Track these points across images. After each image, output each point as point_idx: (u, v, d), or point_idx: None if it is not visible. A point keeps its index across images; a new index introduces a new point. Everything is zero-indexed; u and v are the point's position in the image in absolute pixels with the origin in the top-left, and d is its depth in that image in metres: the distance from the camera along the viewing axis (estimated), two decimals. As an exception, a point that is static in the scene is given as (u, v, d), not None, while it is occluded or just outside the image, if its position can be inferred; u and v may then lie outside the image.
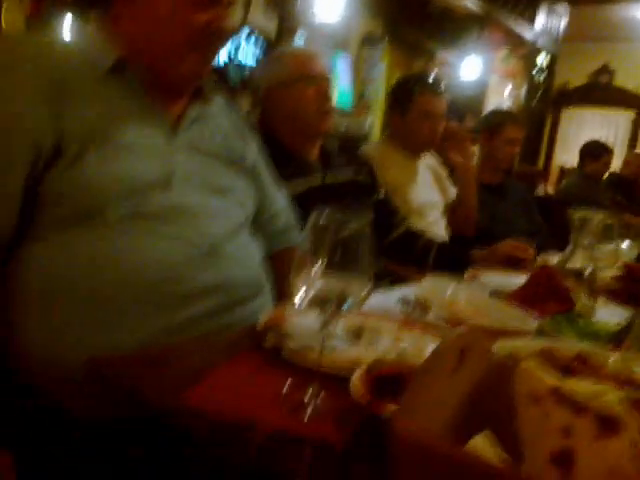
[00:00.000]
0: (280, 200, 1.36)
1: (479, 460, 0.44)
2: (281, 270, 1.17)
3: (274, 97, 1.72)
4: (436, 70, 4.36)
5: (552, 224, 2.69)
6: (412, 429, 0.47)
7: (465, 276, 1.48)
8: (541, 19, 5.15)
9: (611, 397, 0.54)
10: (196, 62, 1.04)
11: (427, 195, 2.27)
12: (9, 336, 0.94)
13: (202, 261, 1.00)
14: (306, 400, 0.69)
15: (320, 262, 0.65)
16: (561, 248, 1.85)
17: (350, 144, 2.44)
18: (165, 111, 1.06)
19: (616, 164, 5.29)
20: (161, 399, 0.66)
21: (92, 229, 0.93)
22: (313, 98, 1.68)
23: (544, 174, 7.42)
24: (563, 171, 6.95)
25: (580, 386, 0.57)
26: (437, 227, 2.29)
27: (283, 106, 1.71)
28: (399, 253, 1.89)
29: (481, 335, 0.61)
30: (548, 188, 5.74)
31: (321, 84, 1.70)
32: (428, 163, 2.39)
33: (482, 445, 0.52)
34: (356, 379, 0.69)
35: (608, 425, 0.52)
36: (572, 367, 0.85)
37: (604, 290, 1.35)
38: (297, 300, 0.66)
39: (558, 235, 2.12)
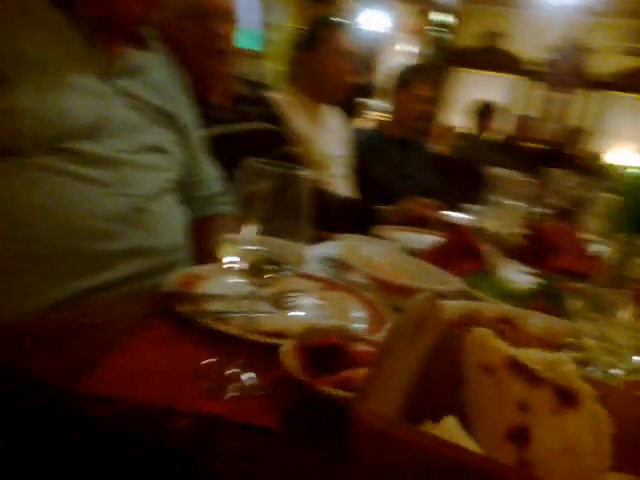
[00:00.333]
0: (209, 167, 1.31)
1: (446, 445, 0.39)
2: (205, 238, 1.15)
3: (171, 31, 1.52)
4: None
5: (453, 183, 2.74)
6: (374, 414, 0.41)
7: (376, 234, 1.44)
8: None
9: (568, 367, 0.51)
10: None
11: (333, 148, 2.20)
12: None
13: (131, 217, 0.96)
14: (230, 375, 0.62)
15: (252, 224, 0.57)
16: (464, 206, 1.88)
17: (259, 88, 2.30)
18: (105, 54, 1.00)
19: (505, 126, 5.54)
20: (56, 380, 0.56)
21: (9, 170, 0.85)
22: (207, 36, 1.51)
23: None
24: (450, 130, 7.16)
25: (535, 355, 0.53)
26: (341, 183, 2.25)
27: (179, 43, 1.53)
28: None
29: (434, 303, 0.56)
30: (438, 147, 5.90)
31: (217, 21, 1.52)
32: (332, 114, 2.31)
33: (450, 428, 0.47)
34: (288, 351, 0.62)
35: (566, 398, 0.50)
36: (500, 329, 0.84)
37: (512, 249, 1.37)
38: (226, 264, 0.57)
39: (461, 193, 2.16)
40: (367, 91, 4.68)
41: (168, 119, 1.11)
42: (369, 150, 2.57)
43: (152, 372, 0.61)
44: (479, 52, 8.21)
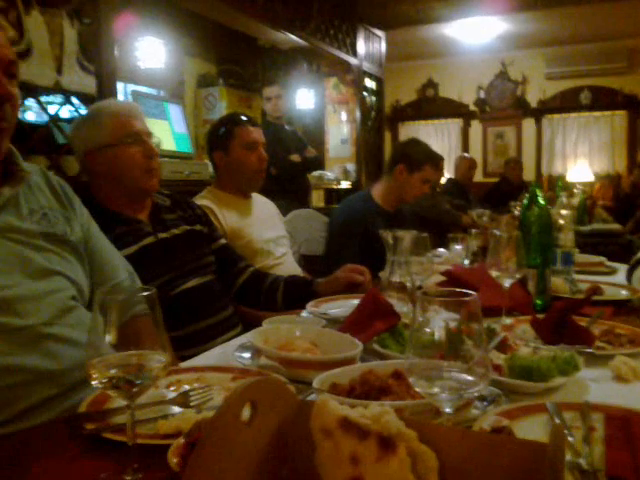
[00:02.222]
0: (122, 269, 1.34)
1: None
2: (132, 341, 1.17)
3: (95, 160, 1.65)
4: (271, 103, 4.48)
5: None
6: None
7: (305, 309, 1.53)
8: (362, 45, 5.51)
9: (390, 416, 0.59)
10: None
11: (269, 232, 2.32)
12: None
13: (31, 348, 0.99)
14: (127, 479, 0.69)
15: (110, 339, 0.66)
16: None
17: (195, 189, 2.43)
18: None
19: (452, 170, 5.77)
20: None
21: None
22: (138, 158, 1.64)
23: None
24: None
25: (366, 411, 0.61)
26: (287, 262, 2.35)
27: (106, 169, 1.64)
28: (248, 297, 1.91)
29: (270, 381, 0.64)
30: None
31: (144, 141, 1.67)
32: (259, 201, 2.45)
33: None
34: (173, 448, 0.70)
35: (387, 445, 0.57)
36: (387, 386, 0.92)
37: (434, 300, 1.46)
38: (92, 381, 0.66)
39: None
40: (317, 164, 4.88)
41: (58, 238, 1.14)
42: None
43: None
44: (416, 104, 8.66)
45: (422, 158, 2.81)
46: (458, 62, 8.18)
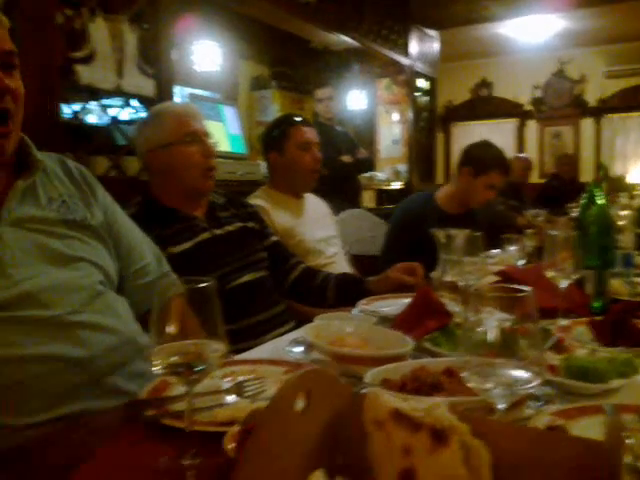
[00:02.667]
0: (149, 252, 1.34)
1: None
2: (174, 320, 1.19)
3: (156, 159, 1.71)
4: (323, 105, 4.51)
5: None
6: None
7: (356, 307, 1.54)
8: (414, 45, 5.48)
9: (442, 410, 0.60)
10: None
11: (321, 231, 2.34)
12: None
13: (60, 336, 1.00)
14: (186, 464, 0.71)
15: (172, 328, 0.68)
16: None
17: (248, 189, 2.48)
18: None
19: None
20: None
21: None
22: (196, 157, 1.69)
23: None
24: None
25: (418, 404, 0.62)
26: (338, 261, 2.37)
27: (165, 167, 1.71)
28: (299, 293, 1.94)
29: (324, 372, 0.66)
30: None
31: (202, 141, 1.71)
32: (312, 201, 2.47)
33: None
34: (229, 435, 0.72)
35: (439, 437, 0.58)
36: (439, 382, 0.92)
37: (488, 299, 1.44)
38: (154, 368, 0.68)
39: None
40: (368, 165, 4.89)
41: (79, 224, 1.15)
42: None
43: (119, 474, 0.71)
44: (469, 104, 8.53)
45: (489, 162, 2.69)
46: (513, 61, 8.01)
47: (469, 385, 0.68)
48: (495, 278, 1.63)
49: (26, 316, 0.98)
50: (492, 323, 0.74)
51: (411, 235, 2.61)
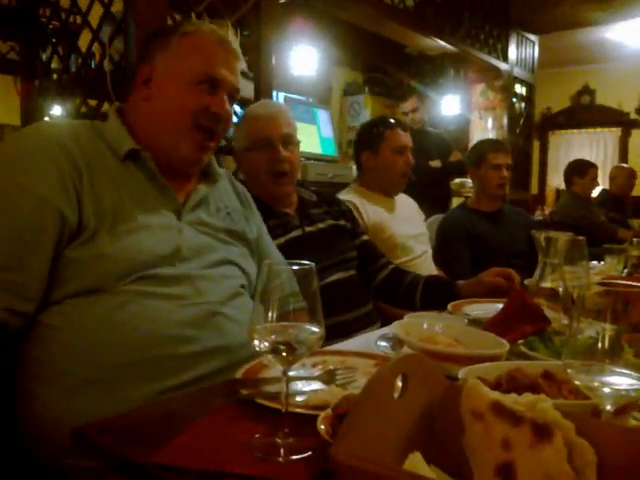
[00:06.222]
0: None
1: (409, 475, 0.47)
2: None
3: (239, 162, 1.83)
4: (408, 117, 4.43)
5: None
6: (353, 456, 0.51)
7: (447, 309, 1.51)
8: (513, 50, 5.32)
9: (545, 405, 0.58)
10: (196, 144, 1.18)
11: (410, 229, 2.33)
12: (19, 401, 1.01)
13: (205, 322, 1.09)
14: (279, 442, 0.73)
15: (271, 311, 0.70)
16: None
17: (338, 191, 2.51)
18: (175, 193, 1.19)
19: (607, 181, 5.36)
20: (141, 456, 0.70)
21: (103, 298, 1.02)
22: (263, 163, 1.70)
23: (539, 198, 7.49)
24: (559, 193, 7.02)
25: (519, 399, 0.60)
26: (426, 260, 2.34)
27: (246, 171, 1.80)
28: (387, 294, 1.93)
29: (422, 359, 0.65)
30: (546, 211, 5.78)
31: (273, 147, 1.69)
32: (401, 200, 2.47)
33: (418, 464, 0.55)
34: (321, 418, 0.73)
35: (542, 432, 0.56)
36: (537, 384, 0.89)
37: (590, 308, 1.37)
38: (255, 347, 0.71)
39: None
40: (459, 169, 4.79)
41: (236, 235, 1.28)
42: (458, 233, 2.70)
43: (215, 446, 0.74)
44: (569, 111, 8.15)
45: (479, 150, 2.92)
46: (619, 67, 7.59)
47: (575, 383, 0.65)
48: (599, 288, 1.55)
49: (182, 294, 1.08)
50: (595, 330, 0.71)
51: (456, 242, 2.72)
